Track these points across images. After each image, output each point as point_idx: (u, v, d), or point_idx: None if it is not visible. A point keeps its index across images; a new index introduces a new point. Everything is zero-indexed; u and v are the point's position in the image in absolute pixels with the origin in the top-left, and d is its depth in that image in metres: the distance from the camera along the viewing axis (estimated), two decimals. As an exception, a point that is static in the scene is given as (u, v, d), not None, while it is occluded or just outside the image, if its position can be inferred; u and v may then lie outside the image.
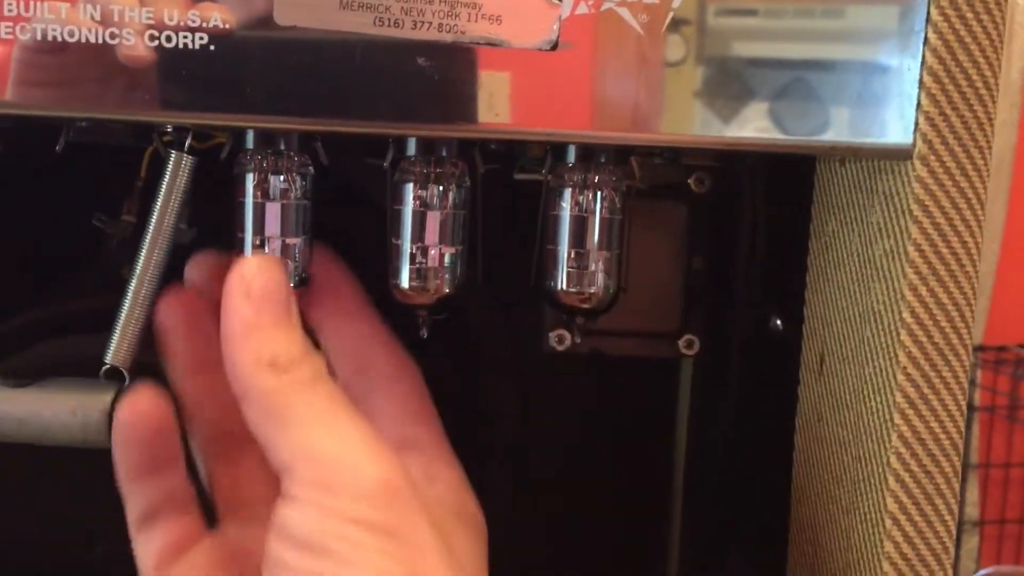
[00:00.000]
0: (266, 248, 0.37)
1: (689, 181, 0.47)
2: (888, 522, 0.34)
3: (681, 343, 0.48)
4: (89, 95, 0.32)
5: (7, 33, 0.32)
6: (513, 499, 0.52)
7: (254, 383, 0.31)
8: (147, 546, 0.35)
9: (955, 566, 0.35)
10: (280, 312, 0.32)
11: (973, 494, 1.43)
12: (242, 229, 0.37)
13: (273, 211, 0.37)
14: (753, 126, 0.34)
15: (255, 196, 0.37)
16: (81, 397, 0.35)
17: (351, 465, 0.30)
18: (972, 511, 1.42)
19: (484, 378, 0.49)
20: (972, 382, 1.46)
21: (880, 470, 0.34)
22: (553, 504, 0.53)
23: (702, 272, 0.48)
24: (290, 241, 0.37)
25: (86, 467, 0.40)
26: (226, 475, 0.37)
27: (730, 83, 0.34)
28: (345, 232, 0.41)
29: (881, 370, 0.35)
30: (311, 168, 0.38)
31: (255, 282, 0.32)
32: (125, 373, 0.36)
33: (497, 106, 0.34)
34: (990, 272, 1.15)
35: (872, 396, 0.35)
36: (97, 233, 0.45)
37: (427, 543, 0.30)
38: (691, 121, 0.34)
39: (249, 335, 0.31)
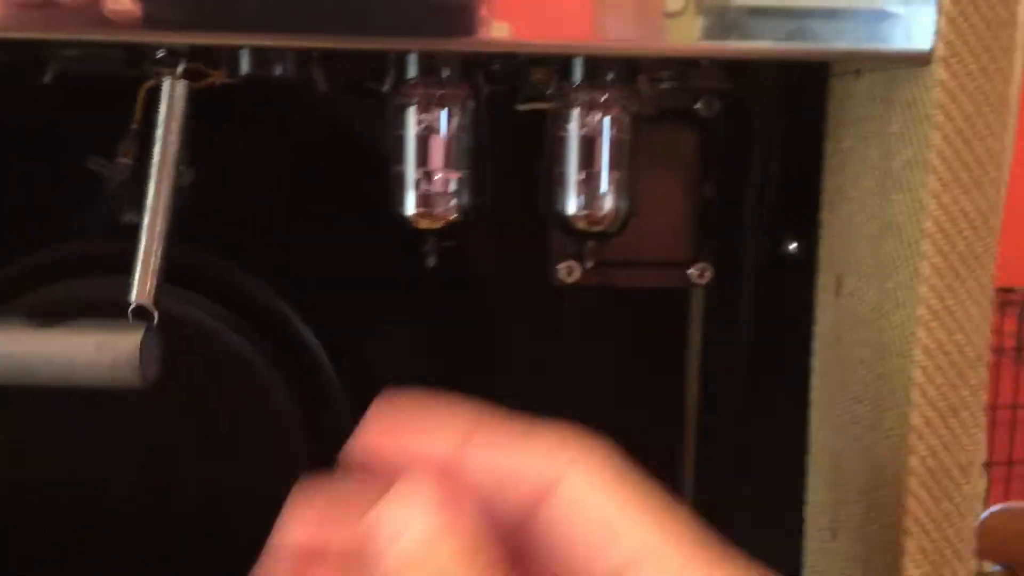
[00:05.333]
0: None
1: (697, 105, 0.46)
2: (913, 437, 0.33)
3: (693, 272, 0.47)
4: (72, 15, 0.31)
5: (-11, -49, 0.30)
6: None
7: None
8: None
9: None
10: None
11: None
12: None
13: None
14: (765, 35, 0.33)
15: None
16: (109, 335, 0.34)
17: None
18: (980, 452, 1.41)
19: (493, 310, 0.48)
20: (979, 323, 1.45)
21: (904, 385, 0.34)
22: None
23: (713, 199, 0.47)
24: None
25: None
26: None
27: (742, -10, 0.33)
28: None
29: (903, 284, 0.34)
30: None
31: None
32: (152, 311, 0.35)
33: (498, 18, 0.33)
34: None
35: (894, 311, 0.35)
36: (95, 176, 0.44)
37: None
38: (699, 31, 0.33)
39: None
